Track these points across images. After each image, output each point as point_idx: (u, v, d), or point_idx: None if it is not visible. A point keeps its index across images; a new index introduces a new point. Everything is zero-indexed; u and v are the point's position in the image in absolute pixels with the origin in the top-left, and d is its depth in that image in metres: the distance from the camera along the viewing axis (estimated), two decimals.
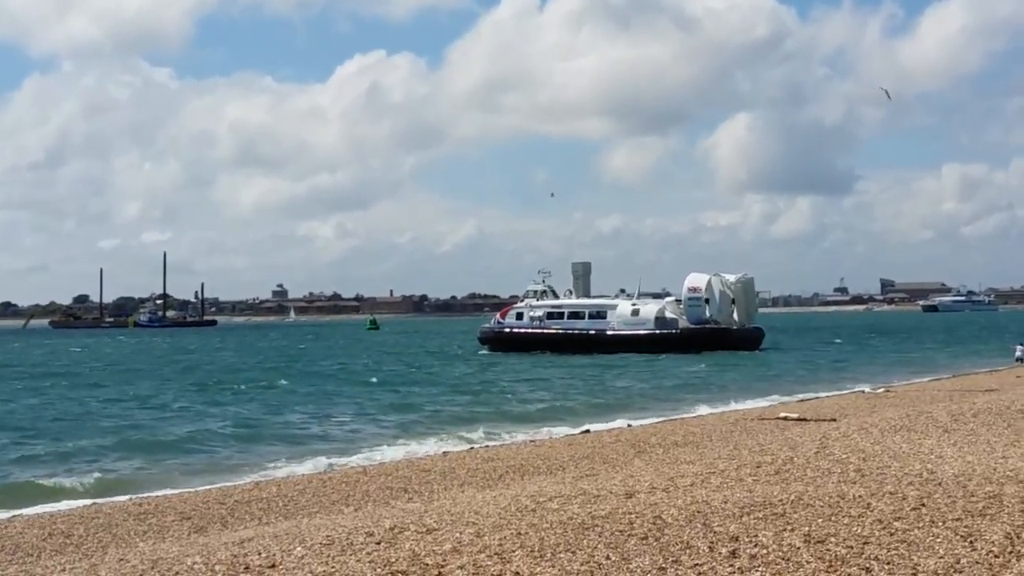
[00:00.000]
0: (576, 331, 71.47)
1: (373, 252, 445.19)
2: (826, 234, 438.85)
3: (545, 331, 72.38)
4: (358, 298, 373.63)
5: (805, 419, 23.61)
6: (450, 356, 76.49)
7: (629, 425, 27.91)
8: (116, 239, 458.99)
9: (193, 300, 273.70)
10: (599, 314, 72.04)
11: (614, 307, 72.21)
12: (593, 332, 70.95)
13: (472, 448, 23.77)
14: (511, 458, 19.68)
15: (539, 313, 73.40)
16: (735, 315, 71.13)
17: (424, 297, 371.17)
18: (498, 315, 79.10)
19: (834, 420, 22.14)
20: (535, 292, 75.89)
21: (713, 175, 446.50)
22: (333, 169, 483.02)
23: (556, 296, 76.12)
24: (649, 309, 70.99)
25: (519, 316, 74.83)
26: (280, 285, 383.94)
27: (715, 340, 68.10)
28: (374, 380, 50.12)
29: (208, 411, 35.39)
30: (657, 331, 69.28)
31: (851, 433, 16.08)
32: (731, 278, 71.56)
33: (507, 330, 74.92)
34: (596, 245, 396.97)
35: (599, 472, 14.64)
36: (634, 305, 71.87)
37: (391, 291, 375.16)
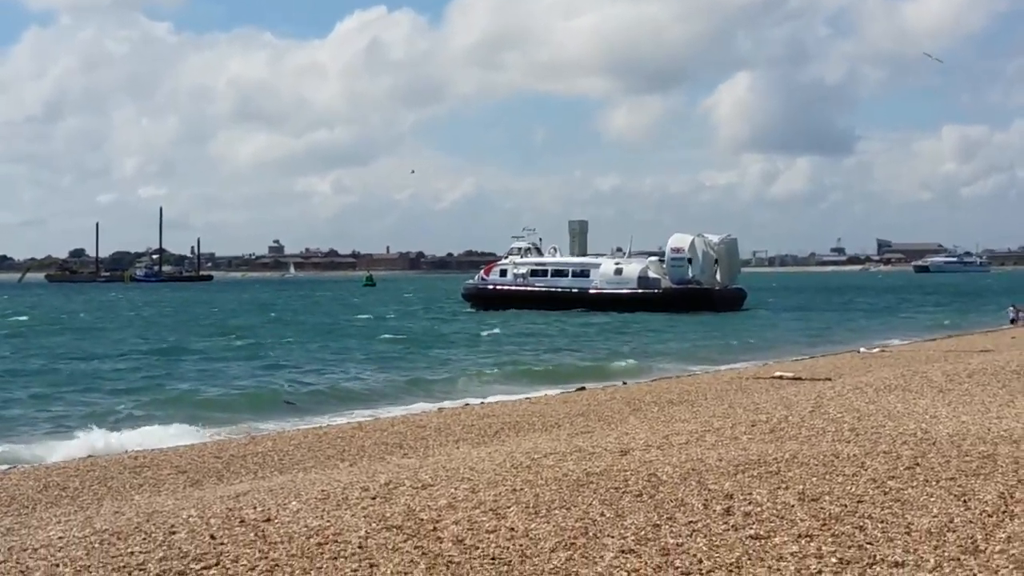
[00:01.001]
0: (559, 289, 71.59)
1: (371, 208, 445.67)
2: (825, 194, 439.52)
3: (528, 288, 72.51)
4: (355, 254, 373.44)
5: (800, 378, 23.65)
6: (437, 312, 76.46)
7: (624, 383, 27.97)
8: (113, 194, 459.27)
9: (189, 255, 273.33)
10: (583, 272, 72.31)
11: (597, 265, 72.41)
12: (576, 290, 71.24)
13: (467, 405, 23.81)
14: (506, 415, 19.70)
15: (523, 270, 73.60)
16: (718, 276, 71.20)
17: (421, 254, 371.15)
18: (482, 271, 79.10)
19: (829, 379, 22.18)
20: (519, 249, 75.92)
21: (713, 134, 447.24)
22: (332, 125, 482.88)
23: (540, 253, 76.11)
24: (632, 268, 71.10)
25: (503, 273, 75.02)
26: (277, 241, 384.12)
27: (697, 300, 68.26)
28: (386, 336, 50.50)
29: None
30: (639, 290, 69.46)
31: (846, 392, 16.11)
32: (714, 239, 71.60)
33: (491, 287, 75.07)
34: (594, 203, 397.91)
35: (594, 429, 14.68)
36: (617, 264, 72.03)
37: (388, 248, 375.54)
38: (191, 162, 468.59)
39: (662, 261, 71.40)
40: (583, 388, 26.50)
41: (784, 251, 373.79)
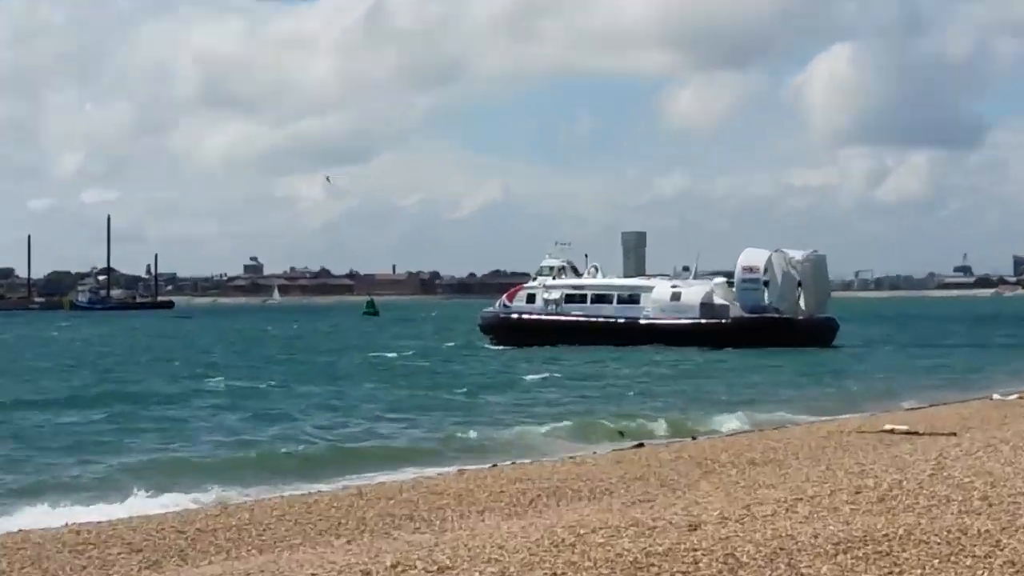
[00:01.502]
0: (601, 318, 71.45)
1: (372, 217, 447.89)
2: (947, 199, 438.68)
3: (562, 318, 72.41)
4: (352, 275, 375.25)
5: (916, 432, 23.57)
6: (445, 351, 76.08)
7: (694, 438, 27.93)
8: (49, 199, 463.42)
9: (145, 276, 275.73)
10: (631, 298, 72.20)
11: (649, 289, 72.27)
12: (622, 320, 71.14)
13: (495, 466, 23.82)
14: (544, 478, 19.71)
15: (556, 295, 73.49)
16: (801, 302, 70.96)
17: (435, 274, 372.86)
18: (504, 297, 78.91)
19: (954, 434, 22.08)
20: (551, 268, 75.77)
21: (804, 123, 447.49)
22: (323, 112, 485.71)
23: (578, 274, 75.93)
24: (693, 292, 70.91)
25: (530, 298, 74.94)
26: (254, 258, 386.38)
27: (775, 332, 67.95)
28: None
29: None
30: (702, 320, 69.30)
31: (976, 450, 16.03)
32: (797, 255, 71.51)
33: (515, 316, 75.00)
34: (653, 211, 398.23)
35: (656, 497, 14.66)
36: (675, 287, 71.77)
37: (394, 267, 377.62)
38: (146, 159, 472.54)
39: (731, 284, 71.16)
40: (641, 444, 26.50)
41: (895, 271, 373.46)
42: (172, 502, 20.88)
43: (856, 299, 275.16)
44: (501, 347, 72.97)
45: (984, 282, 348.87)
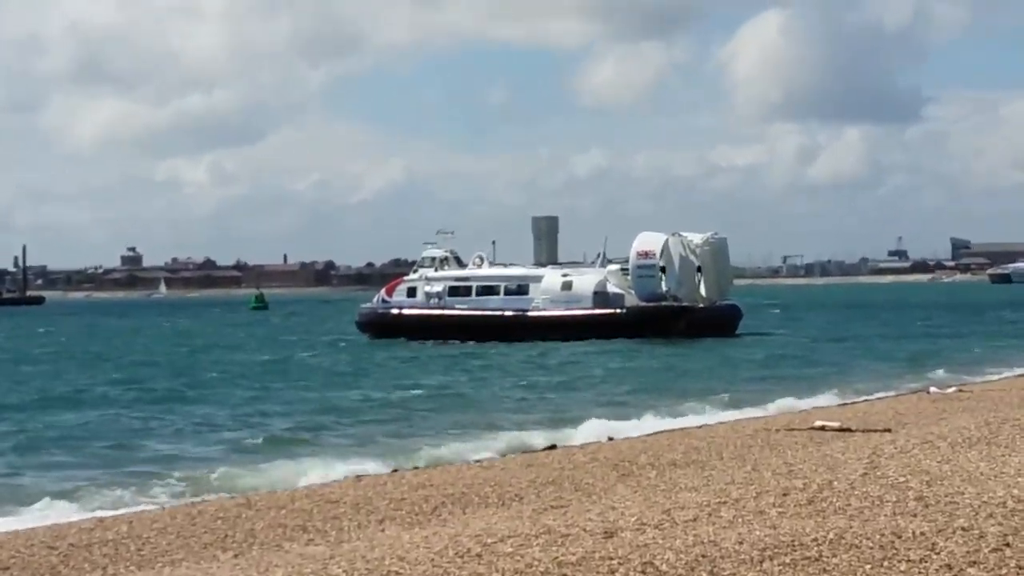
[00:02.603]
0: (487, 312, 71.61)
1: (262, 203, 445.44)
2: (882, 177, 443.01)
3: (445, 312, 72.59)
4: (239, 266, 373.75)
5: (849, 429, 23.75)
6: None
7: (610, 439, 28.00)
8: None
9: (12, 269, 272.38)
10: (519, 289, 72.36)
11: (539, 279, 72.34)
12: (510, 313, 71.24)
13: (396, 471, 23.78)
14: (449, 484, 19.69)
15: (438, 288, 73.58)
16: (702, 289, 71.45)
17: (330, 264, 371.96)
18: (383, 291, 78.97)
19: (888, 430, 22.29)
20: (433, 259, 75.71)
21: (731, 96, 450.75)
22: (209, 87, 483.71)
23: (462, 264, 75.94)
24: (585, 281, 71.30)
25: (411, 292, 75.03)
26: (132, 248, 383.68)
27: (673, 322, 68.54)
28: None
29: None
30: (595, 310, 69.55)
31: (911, 448, 16.21)
32: (696, 238, 71.95)
33: (394, 311, 74.97)
34: (569, 192, 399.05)
35: (569, 503, 14.69)
36: (565, 276, 71.96)
37: (285, 256, 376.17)
38: (13, 139, 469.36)
39: (626, 271, 71.29)
40: (554, 447, 26.52)
41: (827, 255, 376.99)
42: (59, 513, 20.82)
43: (786, 286, 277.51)
44: (376, 342, 73.21)
45: (920, 267, 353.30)
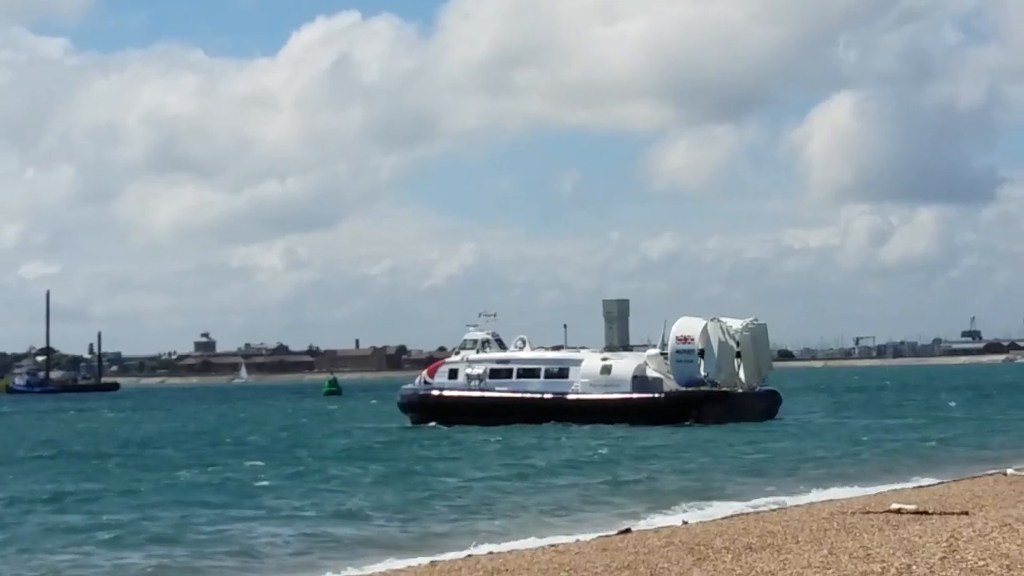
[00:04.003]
0: (528, 394, 71.79)
1: (335, 289, 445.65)
2: (956, 259, 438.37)
3: (486, 394, 72.70)
4: (312, 351, 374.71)
5: (926, 512, 23.58)
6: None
7: (685, 523, 27.89)
8: None
9: (87, 356, 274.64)
10: (560, 372, 72.28)
11: (578, 362, 72.29)
12: (550, 396, 71.37)
13: (470, 556, 23.75)
14: (524, 568, 19.67)
15: (479, 370, 73.62)
16: (741, 374, 71.27)
17: (403, 349, 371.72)
18: (425, 372, 79.25)
19: (966, 513, 22.10)
20: (475, 342, 75.85)
21: (803, 179, 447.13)
22: (283, 175, 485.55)
23: (503, 347, 76.06)
24: (625, 365, 71.27)
25: (452, 374, 75.08)
26: (206, 334, 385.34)
27: (711, 407, 68.52)
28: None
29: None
30: (634, 395, 69.56)
31: (990, 531, 16.05)
32: (736, 324, 71.84)
33: (435, 393, 75.15)
34: (641, 276, 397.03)
35: None
36: (605, 360, 71.96)
37: (357, 341, 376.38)
38: (91, 229, 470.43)
39: (665, 356, 71.27)
40: (628, 531, 26.45)
41: (899, 337, 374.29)
42: None
43: (858, 368, 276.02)
44: (418, 425, 73.33)
45: (994, 347, 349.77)
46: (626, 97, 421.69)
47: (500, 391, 72.53)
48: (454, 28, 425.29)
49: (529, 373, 72.65)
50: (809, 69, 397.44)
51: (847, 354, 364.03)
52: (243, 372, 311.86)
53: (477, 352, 74.95)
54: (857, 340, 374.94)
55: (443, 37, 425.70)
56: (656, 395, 69.52)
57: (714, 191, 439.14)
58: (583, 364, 71.77)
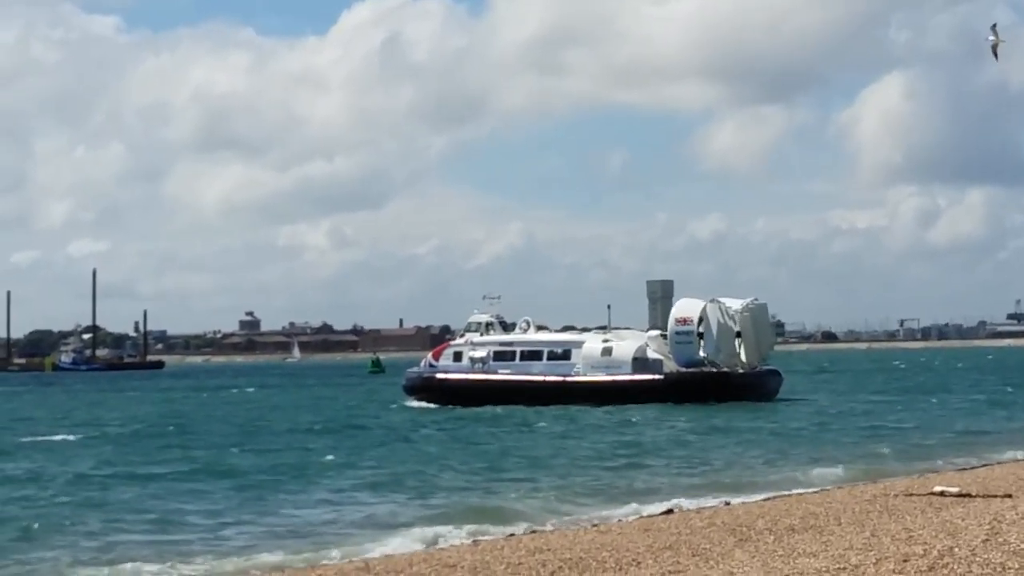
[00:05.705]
0: (529, 377, 72.03)
1: (381, 268, 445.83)
2: (1005, 240, 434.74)
3: (488, 377, 72.98)
4: (356, 330, 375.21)
5: (969, 494, 23.49)
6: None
7: (727, 503, 27.88)
8: (33, 251, 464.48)
9: (133, 334, 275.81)
10: (563, 354, 72.54)
11: (580, 344, 72.49)
12: (552, 379, 71.56)
13: (512, 536, 23.79)
14: (566, 548, 19.68)
15: (482, 353, 73.79)
16: (742, 354, 71.23)
17: (446, 329, 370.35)
18: (430, 355, 79.58)
19: (1009, 496, 22.02)
20: (479, 324, 76.02)
21: (852, 160, 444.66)
22: (331, 154, 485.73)
23: (507, 329, 76.20)
24: (625, 347, 71.57)
25: (457, 357, 75.29)
26: (251, 313, 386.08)
27: (711, 388, 68.81)
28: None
29: None
30: (634, 376, 69.80)
31: None
32: (735, 305, 71.73)
33: (439, 376, 75.44)
34: (687, 256, 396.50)
35: (687, 568, 14.65)
36: (606, 342, 72.13)
37: (401, 321, 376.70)
38: (139, 207, 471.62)
39: (666, 337, 71.56)
40: (671, 511, 26.45)
41: (944, 319, 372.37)
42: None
43: (901, 350, 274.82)
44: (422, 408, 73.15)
45: None
46: (674, 77, 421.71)
47: (503, 373, 72.89)
48: (504, 7, 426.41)
49: (532, 355, 73.00)
50: (860, 50, 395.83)
51: (891, 336, 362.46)
52: (296, 351, 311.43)
53: (481, 335, 75.32)
54: (902, 322, 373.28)
55: (493, 16, 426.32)
56: (656, 376, 69.81)
57: (762, 172, 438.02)
58: (584, 346, 72.13)
